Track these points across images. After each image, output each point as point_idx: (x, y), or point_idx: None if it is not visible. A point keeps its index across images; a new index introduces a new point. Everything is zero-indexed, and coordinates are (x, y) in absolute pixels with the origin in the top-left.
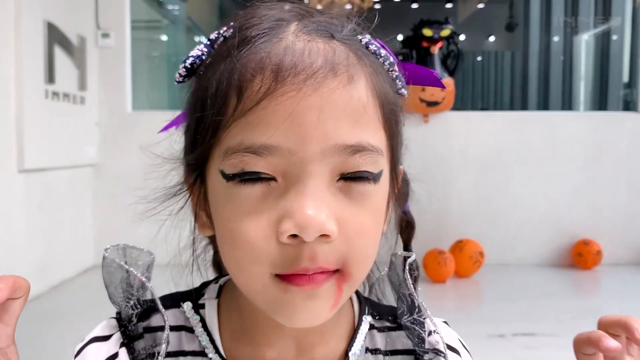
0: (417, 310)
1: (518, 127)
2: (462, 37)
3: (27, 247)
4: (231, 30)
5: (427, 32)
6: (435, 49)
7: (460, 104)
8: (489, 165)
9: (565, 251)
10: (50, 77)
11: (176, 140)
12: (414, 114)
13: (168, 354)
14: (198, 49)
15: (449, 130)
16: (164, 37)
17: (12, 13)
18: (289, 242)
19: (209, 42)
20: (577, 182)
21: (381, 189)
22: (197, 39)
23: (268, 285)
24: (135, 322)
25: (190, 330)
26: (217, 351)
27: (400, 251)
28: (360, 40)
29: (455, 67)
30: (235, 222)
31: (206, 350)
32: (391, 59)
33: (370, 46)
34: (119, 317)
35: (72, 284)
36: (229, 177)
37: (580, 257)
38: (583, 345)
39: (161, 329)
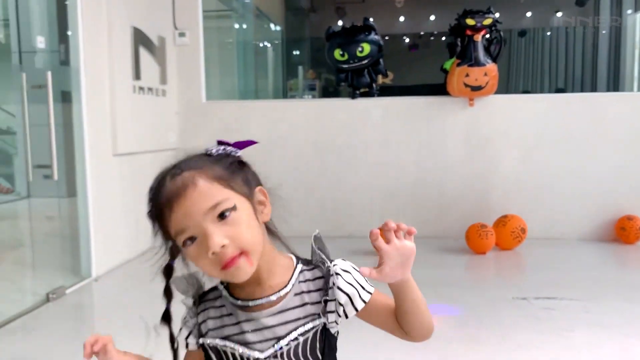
0: (321, 258)
1: (562, 108)
2: (528, 14)
3: (122, 219)
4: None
5: (470, 21)
6: (479, 37)
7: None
8: (533, 145)
9: (609, 226)
10: (137, 74)
11: (246, 128)
12: (460, 98)
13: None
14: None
15: (493, 112)
16: (235, 26)
17: (105, 22)
18: (215, 256)
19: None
20: (621, 160)
21: (242, 209)
22: (265, 26)
23: (220, 273)
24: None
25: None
26: (226, 290)
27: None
28: (207, 154)
29: (498, 54)
30: (196, 259)
31: (223, 293)
32: (220, 152)
33: (211, 153)
34: (193, 301)
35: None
36: (183, 245)
37: (623, 231)
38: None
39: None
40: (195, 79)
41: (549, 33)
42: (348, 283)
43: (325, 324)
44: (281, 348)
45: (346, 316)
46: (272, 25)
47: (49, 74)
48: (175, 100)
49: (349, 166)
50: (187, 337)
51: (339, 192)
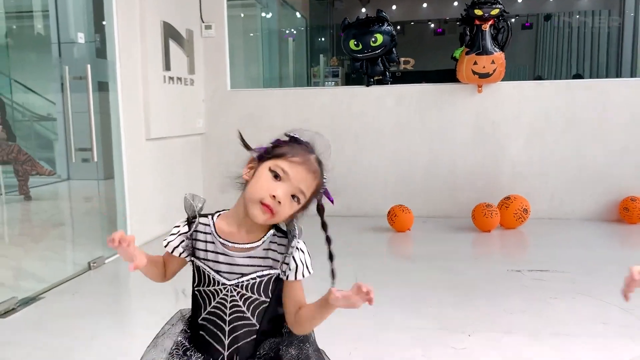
0: (292, 234)
1: (567, 94)
2: None
3: (153, 197)
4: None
5: (478, 12)
6: (487, 27)
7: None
8: (540, 129)
9: (612, 207)
10: (167, 65)
11: (267, 114)
12: (469, 85)
13: (197, 231)
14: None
15: (501, 98)
16: (260, 15)
17: (137, 17)
18: (268, 197)
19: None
20: (625, 143)
21: (301, 204)
22: (290, 15)
23: (255, 205)
24: (193, 220)
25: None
26: (213, 227)
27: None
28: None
29: (506, 42)
30: (260, 184)
31: (212, 228)
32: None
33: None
34: (187, 219)
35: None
36: (269, 170)
37: (626, 212)
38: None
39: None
40: (220, 69)
41: (577, 16)
42: (300, 259)
43: (278, 274)
44: (243, 281)
45: (286, 278)
46: (297, 14)
47: (89, 67)
48: (202, 89)
49: (365, 150)
50: (176, 245)
51: (356, 174)
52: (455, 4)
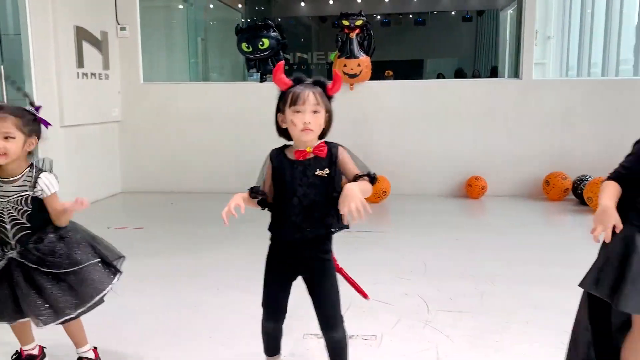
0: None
1: (424, 92)
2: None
3: (67, 179)
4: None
5: (345, 22)
6: (353, 35)
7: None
8: (401, 120)
9: (460, 184)
10: (80, 63)
11: (175, 105)
12: (343, 84)
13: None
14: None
15: (369, 95)
16: (186, 11)
17: (51, 23)
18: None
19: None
20: (472, 133)
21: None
22: (222, 11)
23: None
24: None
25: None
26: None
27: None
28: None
29: (369, 48)
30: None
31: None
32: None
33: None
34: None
35: (104, 203)
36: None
37: (470, 187)
38: None
39: None
40: (134, 65)
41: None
42: (44, 183)
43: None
44: (11, 199)
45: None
46: (232, 10)
47: (2, 68)
48: (118, 82)
49: (259, 140)
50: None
51: (254, 156)
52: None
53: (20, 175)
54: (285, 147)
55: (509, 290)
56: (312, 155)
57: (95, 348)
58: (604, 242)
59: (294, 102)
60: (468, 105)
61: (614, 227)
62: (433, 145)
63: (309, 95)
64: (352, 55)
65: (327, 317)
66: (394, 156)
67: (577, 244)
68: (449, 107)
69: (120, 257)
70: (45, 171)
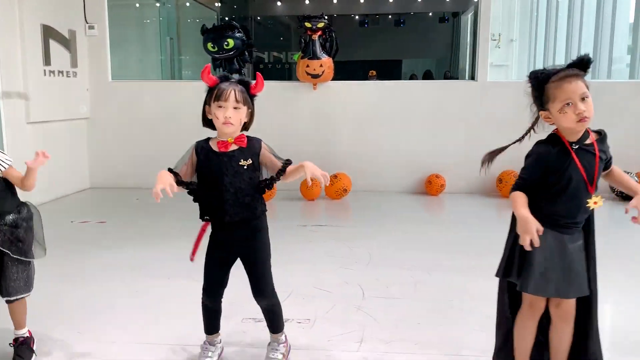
0: None
1: (385, 92)
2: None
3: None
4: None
5: (307, 24)
6: (315, 37)
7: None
8: (363, 120)
9: (419, 182)
10: (47, 61)
11: (142, 102)
12: (306, 83)
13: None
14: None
15: (332, 94)
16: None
17: (17, 21)
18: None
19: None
20: (429, 132)
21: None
22: (196, 9)
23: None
24: None
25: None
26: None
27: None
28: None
29: (331, 50)
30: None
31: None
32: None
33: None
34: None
35: (72, 198)
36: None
37: (429, 184)
38: None
39: None
40: (102, 63)
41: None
42: None
43: None
44: None
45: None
46: (208, 9)
47: None
48: (86, 79)
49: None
50: None
51: None
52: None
53: None
54: (209, 139)
55: (443, 280)
56: (235, 147)
57: (29, 330)
58: (509, 235)
59: (217, 97)
60: (427, 105)
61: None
62: (394, 144)
63: (231, 93)
64: (314, 57)
65: (258, 288)
66: (356, 154)
67: None
68: (409, 108)
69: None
70: None
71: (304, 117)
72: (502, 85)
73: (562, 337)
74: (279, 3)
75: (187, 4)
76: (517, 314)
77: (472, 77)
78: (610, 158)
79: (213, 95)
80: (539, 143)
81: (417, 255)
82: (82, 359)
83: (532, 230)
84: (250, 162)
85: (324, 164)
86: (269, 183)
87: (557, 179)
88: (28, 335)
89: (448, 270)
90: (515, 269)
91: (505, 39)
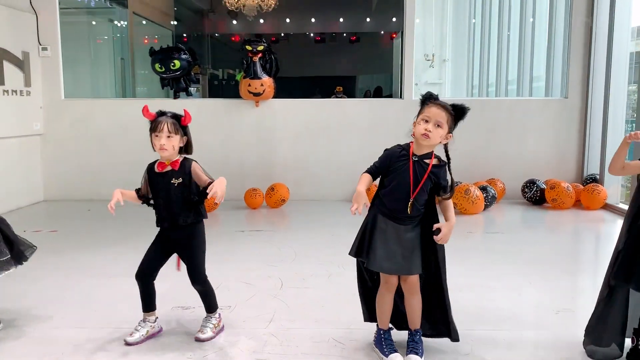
0: None
1: (321, 109)
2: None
3: None
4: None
5: (248, 47)
6: (256, 58)
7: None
8: (301, 134)
9: (352, 190)
10: (1, 81)
11: (93, 119)
12: (248, 101)
13: None
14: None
15: (273, 111)
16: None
17: None
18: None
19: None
20: (361, 145)
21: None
22: (150, 28)
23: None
24: None
25: None
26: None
27: None
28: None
29: (271, 70)
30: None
31: None
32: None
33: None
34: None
35: (26, 210)
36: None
37: (367, 190)
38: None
39: None
40: (55, 82)
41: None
42: None
43: None
44: None
45: None
46: (163, 28)
47: None
48: (40, 98)
49: None
50: None
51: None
52: (341, 19)
53: None
54: (154, 162)
55: (352, 273)
56: (169, 168)
57: None
58: (362, 223)
59: (154, 129)
60: (359, 121)
61: (365, 204)
62: (329, 155)
63: (164, 125)
64: (255, 76)
65: (192, 277)
66: (295, 165)
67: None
68: (343, 123)
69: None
70: None
71: (246, 131)
72: None
73: (412, 305)
74: (234, 22)
75: (143, 22)
76: (378, 289)
77: (400, 96)
78: (445, 187)
79: (151, 127)
80: (396, 145)
81: (336, 254)
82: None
83: (360, 202)
84: (181, 180)
85: (264, 174)
86: (198, 199)
87: (393, 176)
88: None
89: None
90: (365, 250)
91: (439, 59)
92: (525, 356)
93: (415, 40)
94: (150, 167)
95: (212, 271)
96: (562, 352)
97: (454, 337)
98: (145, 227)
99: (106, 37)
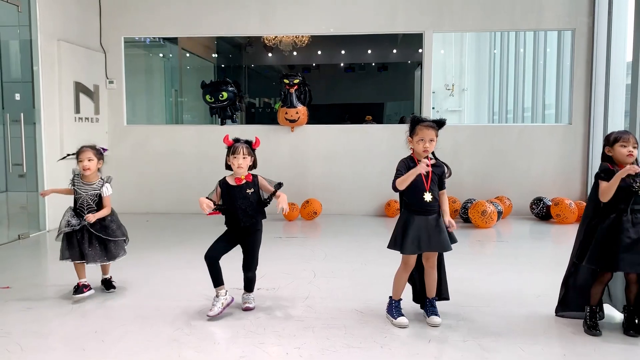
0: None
1: (349, 134)
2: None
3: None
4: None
5: (286, 80)
6: (292, 90)
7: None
8: (332, 156)
9: (380, 205)
10: (77, 109)
11: (151, 143)
12: (285, 127)
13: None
14: None
15: (307, 135)
16: (164, 64)
17: (57, 79)
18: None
19: None
20: (384, 165)
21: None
22: (196, 61)
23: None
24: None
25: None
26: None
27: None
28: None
29: (305, 100)
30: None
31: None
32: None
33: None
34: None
35: None
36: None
37: (388, 207)
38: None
39: None
40: (119, 111)
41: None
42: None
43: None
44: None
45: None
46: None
47: (22, 114)
48: (106, 124)
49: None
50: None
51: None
52: (369, 51)
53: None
54: (225, 177)
55: (374, 268)
56: (244, 181)
57: None
58: (397, 221)
59: (233, 152)
60: (383, 144)
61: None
62: (355, 175)
63: (241, 149)
64: (291, 105)
65: (250, 264)
66: (325, 183)
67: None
68: (369, 146)
69: None
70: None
71: (283, 153)
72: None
73: (431, 277)
74: (269, 54)
75: (187, 55)
76: (397, 269)
77: None
78: (443, 176)
79: (230, 150)
80: (402, 159)
81: (359, 255)
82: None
83: (423, 164)
84: (253, 190)
85: (299, 190)
86: (266, 201)
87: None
88: None
89: (379, 264)
90: (400, 242)
91: (458, 89)
92: (506, 322)
93: (437, 71)
94: (224, 183)
95: (259, 265)
96: (536, 320)
97: (445, 296)
98: (191, 234)
99: (159, 69)
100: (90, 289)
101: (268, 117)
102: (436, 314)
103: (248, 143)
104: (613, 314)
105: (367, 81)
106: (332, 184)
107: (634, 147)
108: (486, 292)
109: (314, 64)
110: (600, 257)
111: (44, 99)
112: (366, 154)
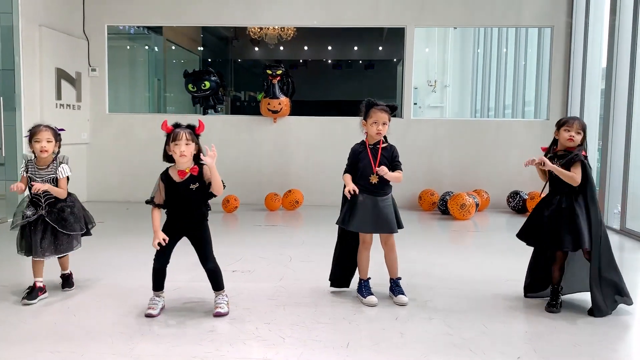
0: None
1: (330, 125)
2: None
3: None
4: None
5: (268, 71)
6: (275, 81)
7: None
8: (314, 146)
9: None
10: (59, 96)
11: (132, 131)
12: (267, 118)
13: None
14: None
15: (289, 126)
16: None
17: (38, 64)
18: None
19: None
20: None
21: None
22: (181, 53)
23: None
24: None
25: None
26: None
27: None
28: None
29: (288, 91)
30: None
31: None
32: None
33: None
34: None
35: None
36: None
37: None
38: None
39: None
40: (101, 98)
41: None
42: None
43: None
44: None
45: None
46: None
47: (1, 99)
48: (87, 112)
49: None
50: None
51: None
52: (355, 48)
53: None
54: (167, 169)
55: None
56: (189, 174)
57: None
58: (343, 204)
59: (173, 139)
60: (362, 135)
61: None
62: (336, 166)
63: (182, 134)
64: (274, 96)
65: (203, 256)
66: (307, 174)
67: (436, 238)
68: (349, 138)
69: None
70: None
71: (266, 143)
72: (422, 122)
73: (391, 258)
74: (256, 48)
75: (173, 47)
76: (358, 249)
77: (401, 115)
78: (396, 159)
79: (170, 137)
80: (355, 144)
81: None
82: None
83: (350, 185)
84: (197, 185)
85: (281, 182)
86: (211, 194)
87: (360, 162)
88: None
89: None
90: (347, 220)
91: (440, 85)
92: (474, 302)
93: (420, 67)
94: (165, 177)
95: (234, 248)
96: (504, 301)
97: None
98: None
99: (141, 59)
100: (45, 291)
101: (253, 110)
102: (403, 293)
103: (190, 128)
104: (583, 297)
105: (354, 78)
106: (313, 175)
107: (577, 133)
108: (457, 276)
109: (300, 60)
110: (524, 232)
111: (24, 85)
112: (347, 144)
